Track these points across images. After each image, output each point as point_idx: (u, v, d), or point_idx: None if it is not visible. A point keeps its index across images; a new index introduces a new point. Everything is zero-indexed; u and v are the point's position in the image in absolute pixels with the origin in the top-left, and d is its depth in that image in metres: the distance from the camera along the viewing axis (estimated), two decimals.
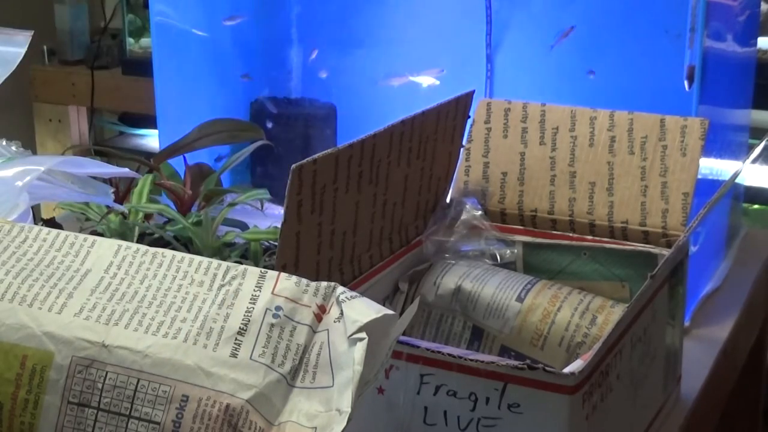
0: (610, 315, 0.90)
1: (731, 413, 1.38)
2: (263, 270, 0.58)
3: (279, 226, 0.79)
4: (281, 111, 1.42)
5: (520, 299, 0.91)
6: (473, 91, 1.01)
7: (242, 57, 1.45)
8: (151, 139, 2.63)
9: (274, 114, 1.42)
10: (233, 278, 0.58)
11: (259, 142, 1.27)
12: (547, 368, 0.69)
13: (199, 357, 0.55)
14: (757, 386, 1.49)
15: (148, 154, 2.30)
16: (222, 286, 0.58)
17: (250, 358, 0.55)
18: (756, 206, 2.28)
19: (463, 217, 1.01)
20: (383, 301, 0.95)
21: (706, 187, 1.10)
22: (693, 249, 1.09)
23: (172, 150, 1.29)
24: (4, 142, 1.08)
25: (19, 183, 0.94)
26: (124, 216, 1.14)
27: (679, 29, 1.09)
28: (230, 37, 1.42)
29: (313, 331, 0.56)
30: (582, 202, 1.00)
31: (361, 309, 0.56)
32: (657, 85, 1.10)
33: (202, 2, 1.41)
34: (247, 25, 1.43)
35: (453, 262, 0.98)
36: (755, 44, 1.39)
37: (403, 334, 0.63)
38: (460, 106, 0.99)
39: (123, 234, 1.11)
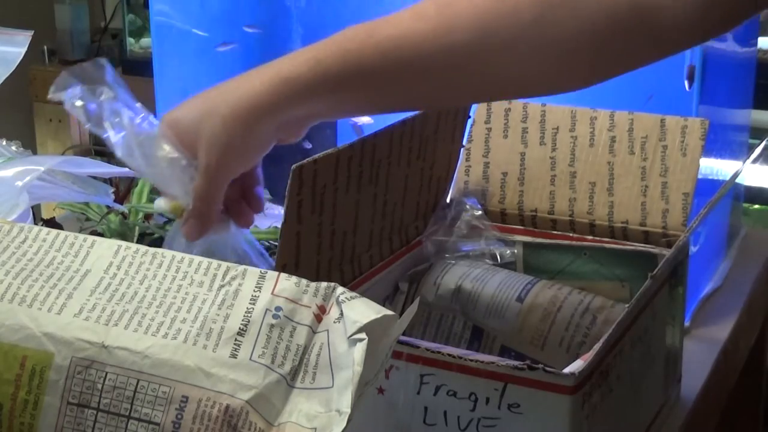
0: (610, 315, 0.90)
1: (731, 413, 1.38)
2: (263, 270, 0.58)
3: (279, 226, 0.79)
4: None
5: (520, 299, 0.91)
6: None
7: (243, 57, 1.45)
8: None
9: None
10: (233, 279, 0.58)
11: None
12: (547, 368, 0.69)
13: (198, 358, 0.55)
14: (757, 386, 1.49)
15: None
16: (222, 286, 0.58)
17: (250, 359, 0.55)
18: (756, 206, 2.28)
19: (463, 217, 1.01)
20: (383, 301, 0.95)
21: (706, 187, 1.10)
22: (693, 249, 1.09)
23: None
24: (4, 142, 1.08)
25: (19, 183, 0.94)
26: (124, 216, 1.14)
27: None
28: (231, 37, 1.42)
29: (313, 331, 0.56)
30: (582, 202, 1.00)
31: (361, 309, 0.56)
32: (657, 85, 1.10)
33: (202, 2, 1.41)
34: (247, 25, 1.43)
35: (453, 262, 0.98)
36: (755, 44, 1.39)
37: (403, 334, 0.63)
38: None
39: (123, 234, 1.11)
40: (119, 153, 0.77)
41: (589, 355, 0.70)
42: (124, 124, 0.77)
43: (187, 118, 0.77)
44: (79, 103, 0.77)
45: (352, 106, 0.79)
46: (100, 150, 2.40)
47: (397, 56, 0.72)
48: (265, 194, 1.20)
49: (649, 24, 0.70)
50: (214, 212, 0.77)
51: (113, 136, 0.77)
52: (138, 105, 0.79)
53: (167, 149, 0.76)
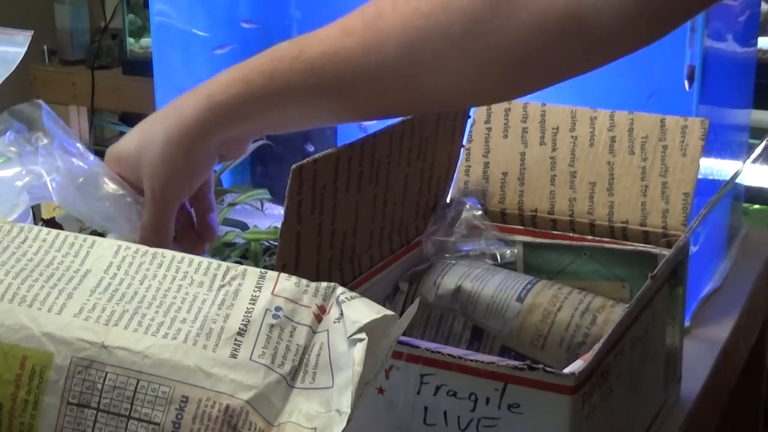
0: (610, 315, 0.90)
1: (731, 413, 1.38)
2: (263, 270, 0.58)
3: (279, 226, 0.79)
4: None
5: (520, 299, 0.91)
6: None
7: (242, 56, 1.45)
8: None
9: None
10: (233, 278, 0.58)
11: (259, 142, 1.27)
12: (547, 368, 0.69)
13: (198, 358, 0.55)
14: (757, 386, 1.49)
15: None
16: (222, 286, 0.58)
17: (250, 359, 0.55)
18: (756, 206, 2.28)
19: (463, 217, 1.01)
20: (383, 301, 0.95)
21: (707, 187, 1.10)
22: (693, 249, 1.09)
23: None
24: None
25: (19, 183, 0.94)
26: None
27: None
28: (231, 37, 1.42)
29: (313, 331, 0.56)
30: (582, 202, 1.00)
31: (361, 309, 0.56)
32: (657, 84, 1.10)
33: (202, 2, 1.41)
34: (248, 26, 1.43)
35: (453, 262, 0.98)
36: (755, 44, 1.39)
37: (403, 334, 0.63)
38: None
39: None
40: (58, 201, 0.76)
41: (589, 355, 0.70)
42: (61, 169, 0.76)
43: (128, 151, 0.77)
44: (13, 149, 0.76)
45: (288, 122, 0.79)
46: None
47: (328, 73, 0.72)
48: (265, 194, 1.21)
49: (584, 33, 0.68)
50: (165, 244, 0.77)
51: (49, 184, 0.76)
52: (78, 144, 0.78)
53: (112, 187, 0.76)
